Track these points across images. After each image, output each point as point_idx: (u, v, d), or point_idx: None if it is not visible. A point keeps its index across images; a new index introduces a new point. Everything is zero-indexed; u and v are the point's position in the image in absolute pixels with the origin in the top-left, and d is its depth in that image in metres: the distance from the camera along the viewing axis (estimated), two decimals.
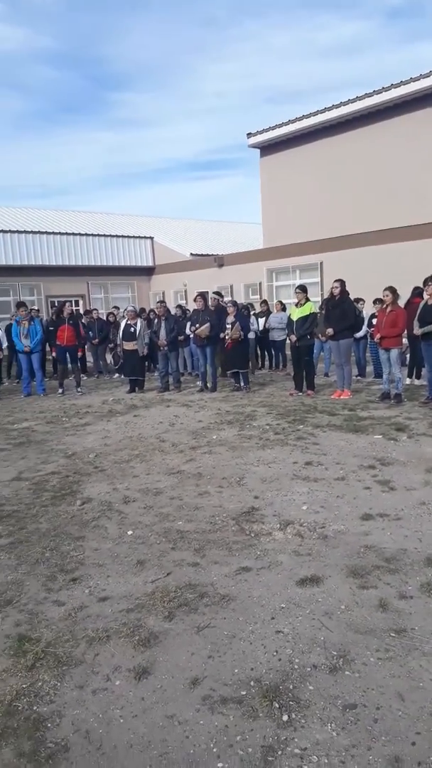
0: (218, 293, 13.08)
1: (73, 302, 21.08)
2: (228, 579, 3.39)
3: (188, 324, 11.06)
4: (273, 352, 13.05)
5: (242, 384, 10.24)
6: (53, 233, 21.50)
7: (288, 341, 10.02)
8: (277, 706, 2.31)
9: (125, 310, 11.60)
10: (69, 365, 11.18)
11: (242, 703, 2.35)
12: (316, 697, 2.36)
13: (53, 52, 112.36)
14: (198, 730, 2.23)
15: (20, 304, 11.29)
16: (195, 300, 10.72)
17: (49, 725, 2.30)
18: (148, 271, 24.20)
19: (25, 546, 4.01)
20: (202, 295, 10.67)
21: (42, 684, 2.55)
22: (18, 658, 2.74)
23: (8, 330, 11.78)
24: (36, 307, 15.54)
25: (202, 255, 22.49)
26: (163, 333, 10.58)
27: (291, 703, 2.33)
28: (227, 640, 2.78)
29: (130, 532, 4.17)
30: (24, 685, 2.54)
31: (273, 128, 18.60)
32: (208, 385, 10.51)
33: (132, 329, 10.62)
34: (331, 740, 2.13)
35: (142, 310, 14.49)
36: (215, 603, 3.12)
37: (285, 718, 2.25)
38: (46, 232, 21.34)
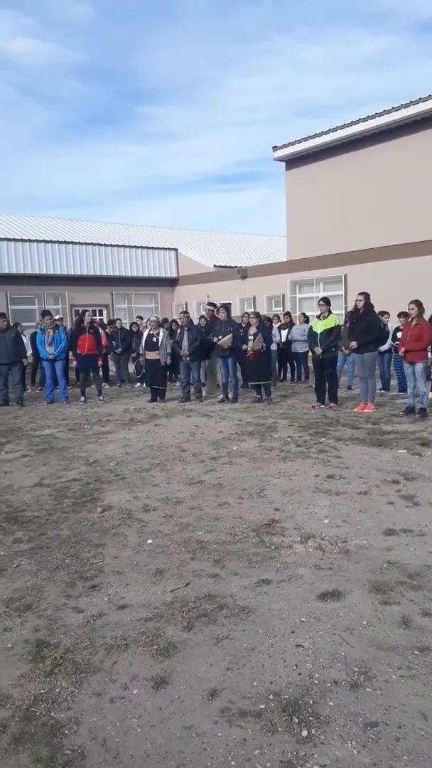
0: (213, 304, 13.29)
1: (97, 312, 21.31)
2: (248, 591, 3.36)
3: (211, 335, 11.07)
4: (295, 364, 13.01)
5: (264, 395, 10.22)
6: (79, 243, 21.78)
7: (310, 353, 9.97)
8: (296, 721, 2.27)
9: (148, 320, 11.69)
10: (90, 374, 11.28)
11: (261, 717, 2.31)
12: (337, 714, 2.32)
13: (83, 66, 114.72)
14: (216, 742, 2.20)
15: (45, 313, 11.44)
16: (217, 312, 10.76)
17: (66, 732, 2.29)
18: (171, 282, 24.36)
19: (46, 552, 4.02)
20: (225, 307, 10.70)
21: (60, 690, 2.54)
22: (36, 663, 2.74)
23: (33, 338, 11.95)
24: (60, 316, 15.71)
25: (225, 267, 22.58)
26: (185, 343, 10.62)
27: (311, 718, 2.29)
28: (246, 653, 2.75)
29: (149, 541, 4.16)
30: (42, 691, 2.54)
31: (299, 142, 18.67)
32: (230, 396, 10.50)
33: (154, 339, 10.67)
34: (351, 758, 2.09)
35: (165, 320, 14.56)
36: (234, 615, 3.09)
37: (304, 733, 2.21)
38: (72, 242, 21.63)
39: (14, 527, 4.52)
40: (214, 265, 22.88)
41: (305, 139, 18.46)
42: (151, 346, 10.67)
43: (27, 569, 3.76)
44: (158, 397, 10.83)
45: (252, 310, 15.15)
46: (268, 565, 3.69)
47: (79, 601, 3.33)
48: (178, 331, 11.14)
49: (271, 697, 2.43)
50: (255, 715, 2.33)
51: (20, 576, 3.67)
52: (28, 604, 3.31)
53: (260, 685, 2.52)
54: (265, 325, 10.92)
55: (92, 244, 22.10)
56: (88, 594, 3.40)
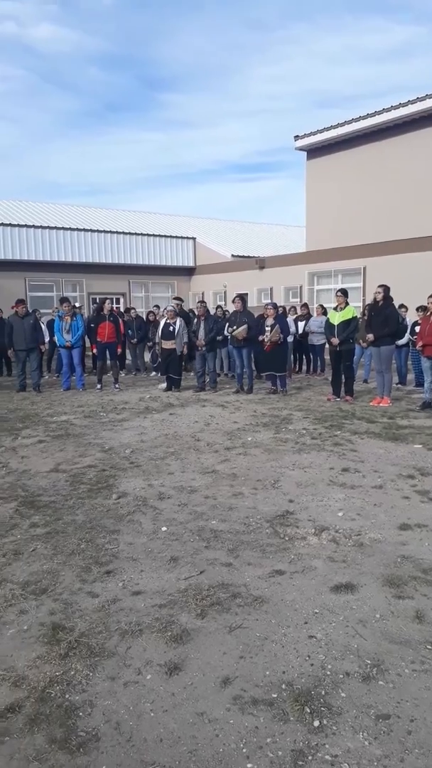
0: (179, 299, 13.47)
1: (114, 300, 21.35)
2: (261, 581, 3.37)
3: (227, 325, 11.07)
4: (312, 356, 12.96)
5: (279, 387, 10.20)
6: (98, 231, 21.81)
7: (327, 345, 9.92)
8: (308, 711, 2.29)
9: (164, 309, 11.70)
10: (108, 361, 11.33)
11: (273, 706, 2.33)
12: (349, 705, 2.33)
13: (104, 54, 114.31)
14: (228, 729, 2.22)
15: (63, 300, 11.49)
16: (233, 301, 10.74)
17: (80, 714, 2.33)
18: (188, 272, 24.33)
19: (62, 537, 4.07)
20: (241, 297, 10.67)
21: (75, 673, 2.58)
22: (52, 646, 2.78)
23: (50, 325, 12.03)
24: (78, 304, 15.77)
25: (243, 257, 22.49)
26: (202, 333, 10.62)
27: (323, 709, 2.30)
28: (259, 642, 2.77)
29: (164, 529, 4.19)
30: (57, 673, 2.58)
31: (321, 131, 18.47)
32: (244, 386, 10.49)
33: (171, 328, 10.69)
34: (363, 749, 2.10)
35: (178, 298, 14.39)
36: (248, 604, 3.11)
37: (316, 723, 2.22)
38: (91, 230, 21.67)
39: (31, 511, 4.58)
40: (232, 255, 22.80)
41: (327, 129, 18.25)
42: (168, 335, 10.69)
43: (43, 553, 3.81)
44: (173, 387, 10.86)
45: (269, 300, 15.08)
46: (281, 556, 3.70)
47: (94, 586, 3.37)
48: (195, 320, 11.14)
49: (283, 686, 2.45)
50: (267, 703, 2.35)
51: (36, 560, 3.72)
52: (44, 587, 3.36)
53: (273, 674, 2.54)
54: (282, 316, 10.89)
55: (111, 232, 22.12)
56: (102, 579, 3.44)
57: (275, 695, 2.40)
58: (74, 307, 11.82)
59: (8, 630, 2.93)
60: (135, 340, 13.39)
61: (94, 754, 2.12)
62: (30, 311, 11.69)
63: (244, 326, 10.08)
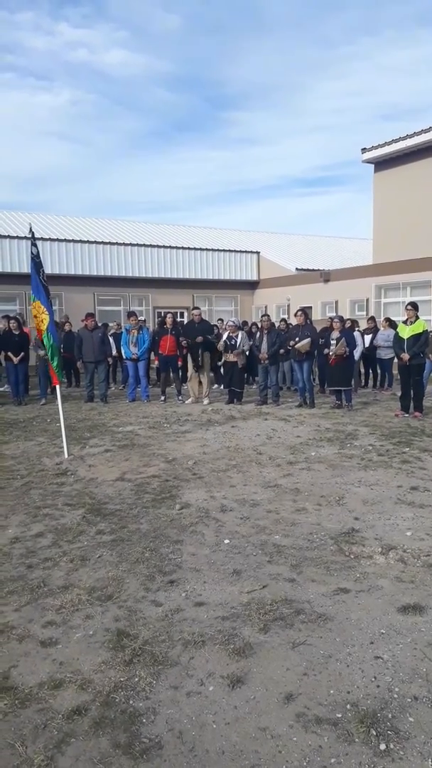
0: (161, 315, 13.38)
1: (178, 314, 21.69)
2: (325, 598, 3.31)
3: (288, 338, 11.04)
4: (379, 371, 12.69)
5: (344, 401, 10.03)
6: (163, 246, 22.27)
7: (396, 360, 9.70)
8: (374, 733, 2.22)
9: (226, 323, 11.80)
10: (171, 374, 11.51)
11: (337, 726, 2.28)
12: (417, 730, 2.24)
13: (171, 75, 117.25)
14: (291, 746, 2.19)
15: (131, 314, 11.79)
16: (296, 315, 10.69)
17: (144, 721, 2.36)
18: (252, 285, 24.41)
19: (127, 545, 4.15)
20: (304, 311, 10.62)
21: (138, 680, 2.61)
22: (117, 652, 2.83)
23: (116, 338, 12.36)
24: (143, 318, 16.15)
25: (307, 270, 22.36)
26: (264, 346, 10.62)
27: (389, 732, 2.23)
28: (323, 660, 2.72)
29: (226, 541, 4.20)
30: (122, 679, 2.62)
31: (389, 143, 18.20)
32: (307, 400, 10.39)
33: (233, 341, 10.74)
34: None
35: (244, 323, 14.59)
36: (312, 621, 3.06)
37: (383, 747, 2.15)
38: (157, 246, 22.14)
39: (97, 519, 4.69)
40: (296, 268, 22.70)
41: (395, 141, 17.97)
42: (230, 348, 10.74)
43: (109, 560, 3.89)
44: (235, 399, 10.89)
45: (335, 314, 14.92)
46: (346, 574, 3.62)
47: (157, 594, 3.41)
48: (258, 334, 11.16)
49: (348, 706, 2.39)
50: (331, 723, 2.30)
51: (102, 566, 3.80)
52: (110, 594, 3.42)
53: (337, 693, 2.48)
54: (348, 329, 10.74)
55: (175, 247, 22.52)
56: (166, 588, 3.48)
57: (340, 715, 2.34)
58: (141, 320, 12.09)
59: (75, 634, 3.01)
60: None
61: (157, 762, 2.14)
62: (99, 324, 12.05)
63: (307, 340, 10.01)
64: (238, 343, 10.69)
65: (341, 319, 10.33)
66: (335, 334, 9.89)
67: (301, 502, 5.04)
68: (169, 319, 11.43)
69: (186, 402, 11.10)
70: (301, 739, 2.22)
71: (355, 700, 2.43)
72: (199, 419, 9.23)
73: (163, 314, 12.64)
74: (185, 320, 19.82)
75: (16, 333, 10.92)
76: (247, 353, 10.93)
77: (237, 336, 10.79)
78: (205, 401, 10.96)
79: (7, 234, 19.07)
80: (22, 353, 10.74)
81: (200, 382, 11.19)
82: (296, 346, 10.15)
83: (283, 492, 5.35)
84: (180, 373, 11.84)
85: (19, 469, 6.32)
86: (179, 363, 11.74)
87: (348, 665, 2.68)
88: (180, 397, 11.34)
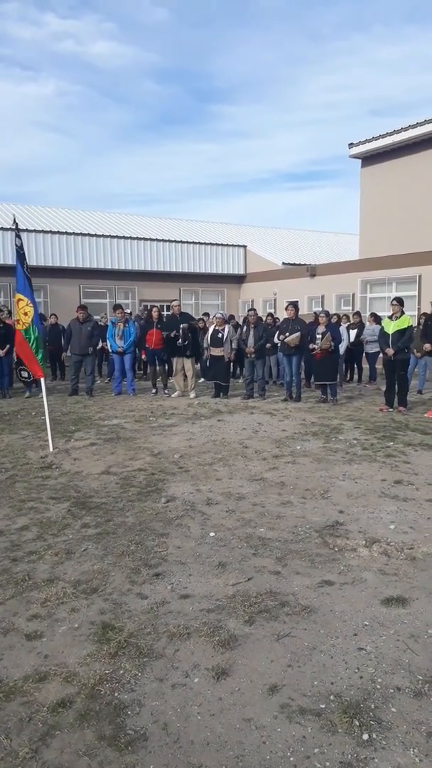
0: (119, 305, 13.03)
1: (164, 307, 21.64)
2: (310, 591, 3.34)
3: (277, 332, 11.06)
4: (364, 365, 12.77)
5: (329, 396, 10.09)
6: (150, 239, 22.16)
7: (381, 355, 9.76)
8: (357, 723, 2.25)
9: (213, 316, 11.79)
10: (157, 368, 11.48)
11: (321, 716, 2.30)
12: (399, 720, 2.27)
13: (160, 68, 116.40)
14: (275, 737, 2.21)
15: (117, 307, 11.72)
16: (286, 309, 10.71)
17: (129, 713, 2.36)
18: (238, 279, 24.40)
19: (112, 538, 4.14)
20: (294, 305, 10.64)
21: (124, 672, 2.62)
22: (102, 644, 2.83)
23: (102, 330, 12.30)
24: (130, 311, 16.06)
25: (294, 264, 22.40)
26: (251, 340, 10.63)
27: (372, 722, 2.26)
28: (307, 652, 2.74)
29: (212, 534, 4.21)
30: (107, 671, 2.62)
31: (376, 138, 18.25)
32: (293, 394, 10.43)
33: (219, 335, 10.74)
34: (413, 765, 2.05)
35: (231, 316, 14.58)
36: (296, 613, 3.08)
37: (365, 737, 2.18)
38: (143, 239, 22.03)
39: (82, 512, 4.68)
40: (283, 263, 22.73)
41: (383, 136, 18.02)
42: (217, 342, 10.74)
43: (94, 553, 3.89)
44: (221, 393, 10.90)
45: (320, 308, 14.97)
46: (331, 567, 3.65)
47: (143, 587, 3.41)
48: (245, 328, 11.17)
49: (331, 697, 2.42)
50: (315, 714, 2.32)
51: (87, 560, 3.80)
52: (95, 587, 3.42)
53: (321, 684, 2.51)
54: (335, 324, 10.79)
55: (162, 240, 22.43)
56: (151, 581, 3.48)
57: (323, 706, 2.37)
58: (127, 313, 12.04)
59: (60, 627, 3.01)
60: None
61: (142, 753, 2.15)
62: (90, 317, 11.97)
63: (297, 334, 10.04)
64: (225, 337, 10.68)
65: (327, 314, 10.37)
66: (321, 329, 9.93)
67: (287, 496, 5.07)
68: (155, 313, 11.38)
69: (172, 396, 11.09)
70: (285, 730, 2.24)
71: (339, 691, 2.45)
72: (185, 413, 9.22)
73: (148, 308, 12.56)
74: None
75: (1, 325, 10.81)
76: (235, 347, 10.92)
77: (224, 329, 10.79)
78: (192, 395, 10.95)
79: None
80: (8, 345, 10.64)
81: (185, 376, 11.18)
82: (286, 340, 10.17)
83: (268, 485, 5.38)
84: (166, 367, 11.82)
85: (4, 463, 6.28)
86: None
87: (332, 657, 2.71)
88: (166, 391, 11.33)
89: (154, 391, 11.34)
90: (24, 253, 7.06)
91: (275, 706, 2.38)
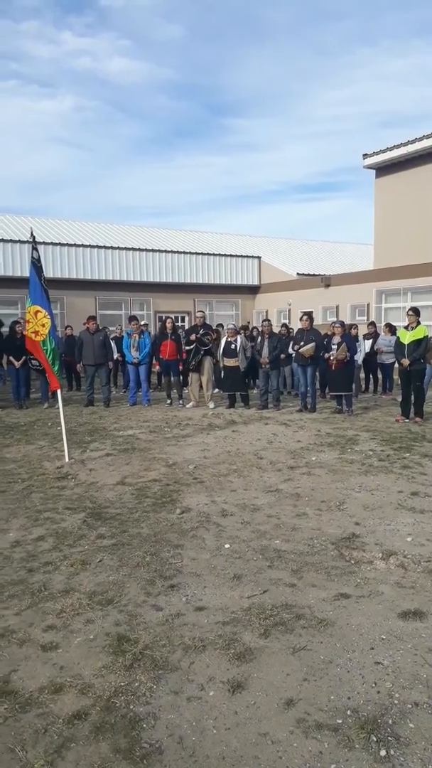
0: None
1: (179, 318, 21.71)
2: (326, 604, 3.31)
3: (291, 343, 11.06)
4: (380, 376, 12.70)
5: (345, 407, 10.04)
6: (164, 251, 22.31)
7: (397, 365, 9.70)
8: (374, 739, 2.22)
9: (226, 327, 11.83)
10: (172, 378, 11.52)
11: (338, 732, 2.28)
12: (417, 737, 2.24)
13: (173, 83, 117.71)
14: (291, 752, 2.19)
15: (132, 318, 11.80)
16: (301, 319, 10.71)
17: (144, 726, 2.35)
18: (253, 290, 24.45)
19: (127, 549, 4.15)
20: (309, 315, 10.63)
21: (139, 685, 2.61)
22: (117, 656, 2.83)
23: (118, 341, 12.38)
24: (145, 322, 16.17)
25: (308, 275, 22.41)
26: (265, 351, 10.63)
27: (390, 738, 2.23)
28: (323, 665, 2.72)
29: (227, 546, 4.19)
30: (122, 684, 2.62)
31: (390, 149, 18.26)
32: (308, 405, 10.40)
33: (232, 346, 10.75)
34: None
35: (244, 327, 14.57)
36: (312, 626, 3.06)
37: (383, 753, 2.15)
38: (158, 250, 22.19)
39: (98, 523, 4.69)
40: (297, 273, 22.75)
41: (397, 147, 18.02)
42: (230, 353, 10.75)
43: (109, 564, 3.89)
44: (242, 403, 10.89)
45: (336, 319, 14.94)
46: (347, 579, 3.62)
47: (158, 599, 3.40)
48: (259, 338, 11.17)
49: (348, 712, 2.39)
50: (332, 729, 2.30)
51: (103, 571, 3.80)
52: (110, 598, 3.42)
53: (337, 699, 2.48)
54: (349, 334, 10.75)
55: (177, 252, 22.57)
56: (167, 593, 3.48)
57: (340, 721, 2.34)
58: (142, 325, 12.11)
59: (75, 638, 3.01)
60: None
61: (158, 767, 2.14)
62: (100, 328, 12.07)
63: (312, 344, 10.02)
64: (237, 347, 10.69)
65: (342, 324, 10.34)
66: (336, 339, 9.90)
67: (302, 507, 5.04)
68: (169, 324, 11.44)
69: (187, 406, 11.10)
70: (302, 745, 2.22)
71: (356, 706, 2.43)
72: (199, 423, 9.23)
73: (162, 319, 12.64)
74: (186, 325, 19.88)
75: (18, 336, 10.93)
76: (248, 356, 10.92)
77: (236, 340, 10.79)
78: (210, 404, 10.96)
79: (9, 238, 19.12)
80: (24, 357, 10.73)
81: (201, 386, 11.20)
82: (301, 350, 10.15)
83: (283, 497, 5.36)
84: (181, 378, 11.85)
85: (20, 473, 6.32)
86: (180, 367, 11.74)
87: (348, 671, 2.68)
88: (181, 402, 11.35)
89: (168, 401, 11.38)
90: (41, 266, 7.14)
91: (291, 720, 2.36)
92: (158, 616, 3.21)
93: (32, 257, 7.16)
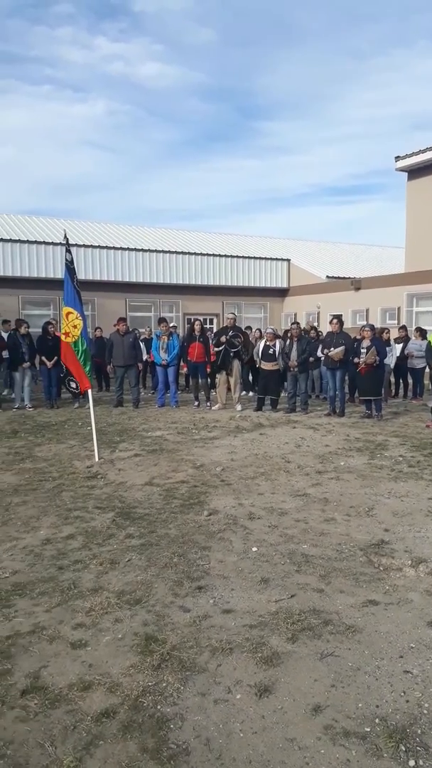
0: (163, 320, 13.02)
1: (207, 321, 21.77)
2: (354, 610, 3.29)
3: (320, 346, 10.99)
4: (410, 380, 12.53)
5: (374, 411, 9.93)
6: (194, 254, 22.40)
7: (428, 369, 9.57)
8: (403, 749, 2.20)
9: (259, 330, 11.81)
10: (199, 380, 11.55)
11: (366, 740, 2.26)
12: None
13: (204, 87, 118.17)
14: (319, 758, 2.18)
15: (161, 320, 11.88)
16: (330, 322, 10.64)
17: (171, 726, 2.37)
18: (281, 293, 24.37)
19: (155, 549, 4.18)
20: (338, 318, 10.56)
21: (166, 685, 2.63)
22: (145, 656, 2.85)
23: (147, 343, 12.48)
24: (174, 324, 16.25)
25: (338, 278, 22.24)
26: (294, 354, 10.59)
27: (419, 748, 2.20)
28: (351, 672, 2.70)
29: (254, 549, 4.19)
30: (150, 683, 2.64)
31: (423, 151, 18.03)
32: (336, 409, 10.32)
33: (271, 350, 10.72)
34: None
35: (248, 328, 14.44)
36: (340, 632, 3.04)
37: (411, 763, 2.13)
38: (187, 253, 22.28)
39: (126, 523, 4.74)
40: (327, 276, 22.60)
41: (430, 149, 17.79)
42: (268, 357, 10.73)
43: (137, 564, 3.93)
44: (271, 406, 10.87)
45: (366, 322, 14.79)
46: (376, 586, 3.59)
47: (185, 600, 3.42)
48: (287, 342, 11.14)
49: (377, 720, 2.37)
50: (360, 737, 2.28)
51: (131, 570, 3.84)
52: (138, 598, 3.45)
53: (365, 707, 2.46)
54: (379, 338, 10.64)
55: (206, 254, 22.63)
56: (194, 594, 3.49)
57: (368, 729, 2.32)
58: (171, 327, 12.18)
59: (104, 637, 3.05)
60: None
61: None
62: (130, 329, 12.18)
63: (342, 347, 9.94)
64: (276, 352, 10.66)
65: (372, 328, 10.24)
66: (365, 343, 9.81)
67: (330, 512, 5.01)
68: (197, 326, 11.48)
69: (214, 408, 11.12)
70: (329, 752, 2.21)
71: (384, 715, 2.40)
72: (227, 426, 9.24)
73: (191, 321, 12.70)
74: (214, 327, 19.91)
75: (50, 337, 11.10)
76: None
77: (274, 344, 10.76)
78: (238, 407, 10.96)
79: (42, 240, 19.42)
80: (56, 357, 10.90)
81: (229, 389, 11.21)
82: (330, 354, 10.07)
83: (311, 501, 5.33)
84: (208, 380, 11.88)
85: (51, 471, 6.42)
86: (207, 369, 11.78)
87: (377, 678, 2.65)
88: (208, 404, 11.38)
89: (196, 403, 11.41)
90: (74, 267, 7.25)
91: (319, 726, 2.35)
92: (185, 617, 3.23)
93: (66, 259, 7.27)
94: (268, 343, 10.81)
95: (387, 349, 10.71)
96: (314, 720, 2.38)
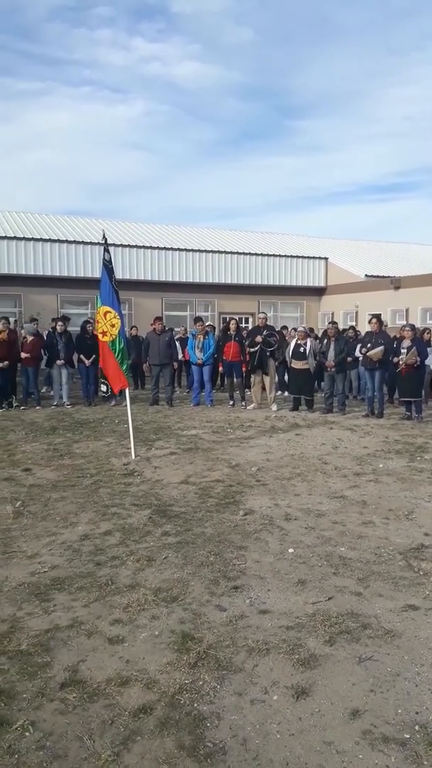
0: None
1: (243, 320, 21.74)
2: (393, 614, 3.23)
3: (359, 346, 10.85)
4: None
5: (414, 413, 9.75)
6: (229, 252, 22.39)
7: None
8: None
9: (292, 329, 11.74)
10: (234, 380, 11.55)
11: (405, 746, 2.22)
12: None
13: (241, 86, 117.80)
14: (357, 763, 2.15)
15: (197, 319, 11.91)
16: (369, 322, 10.50)
17: (208, 725, 2.37)
18: (318, 291, 24.15)
19: (191, 547, 4.19)
20: (378, 318, 10.41)
21: (203, 684, 2.63)
22: (181, 654, 2.87)
23: (182, 342, 12.54)
24: (210, 323, 16.28)
25: (377, 276, 21.92)
26: (331, 354, 10.49)
27: None
28: (390, 677, 2.66)
29: (291, 550, 4.17)
30: (186, 681, 2.65)
31: None
32: (375, 410, 10.17)
33: (302, 349, 10.66)
34: None
35: (311, 329, 14.44)
36: (378, 636, 2.99)
37: None
38: (223, 252, 22.29)
39: (163, 520, 4.77)
40: (366, 275, 22.30)
41: None
42: (299, 355, 10.66)
43: (174, 562, 3.95)
44: (307, 407, 10.80)
45: (406, 322, 14.54)
46: (415, 591, 3.52)
47: (222, 599, 3.42)
48: (325, 341, 11.04)
49: (416, 727, 2.33)
50: (399, 743, 2.24)
51: (168, 568, 3.86)
52: (175, 596, 3.47)
53: (405, 713, 2.42)
54: (420, 338, 10.45)
55: (242, 253, 22.60)
56: (230, 594, 3.49)
57: (408, 735, 2.28)
58: (207, 326, 12.21)
59: (141, 633, 3.07)
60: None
61: (221, 767, 2.15)
62: (166, 328, 12.26)
63: (381, 348, 9.79)
64: (307, 351, 10.59)
65: (413, 328, 10.06)
66: (406, 343, 9.65)
67: (368, 515, 4.94)
68: (233, 325, 11.47)
69: (249, 408, 11.10)
70: (368, 757, 2.17)
71: (424, 722, 2.36)
72: (262, 426, 9.21)
73: (226, 320, 12.70)
74: (250, 326, 19.87)
75: (88, 336, 11.26)
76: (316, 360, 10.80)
77: (305, 343, 10.69)
78: (273, 407, 10.92)
79: (81, 240, 19.71)
80: (94, 356, 11.06)
81: (264, 388, 11.17)
82: (369, 354, 9.93)
83: (349, 503, 5.27)
84: (243, 379, 11.87)
85: (89, 468, 6.51)
86: (243, 369, 11.77)
87: (417, 685, 2.60)
88: (243, 403, 11.36)
89: (231, 402, 11.41)
90: (112, 267, 7.33)
91: (357, 731, 2.32)
92: (222, 616, 3.23)
93: (104, 259, 7.36)
94: (299, 342, 10.73)
95: (428, 349, 10.49)
96: (352, 724, 2.35)
